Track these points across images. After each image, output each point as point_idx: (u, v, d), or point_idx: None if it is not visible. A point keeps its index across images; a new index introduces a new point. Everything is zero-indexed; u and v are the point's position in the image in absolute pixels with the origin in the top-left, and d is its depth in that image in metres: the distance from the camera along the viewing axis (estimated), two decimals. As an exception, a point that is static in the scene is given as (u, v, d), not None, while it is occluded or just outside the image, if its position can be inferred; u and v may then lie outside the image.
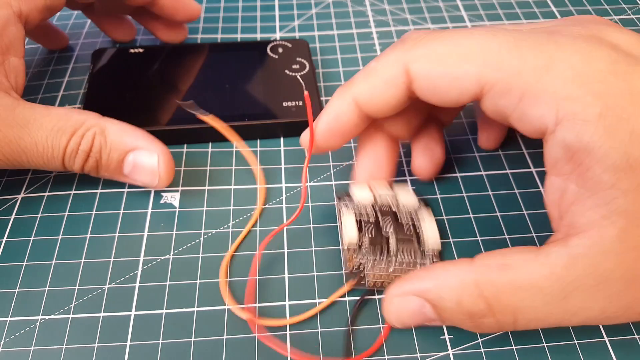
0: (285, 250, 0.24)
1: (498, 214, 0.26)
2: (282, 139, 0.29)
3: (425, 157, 0.26)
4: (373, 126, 0.25)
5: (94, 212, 0.26)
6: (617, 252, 0.17)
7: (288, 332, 0.22)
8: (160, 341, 0.21)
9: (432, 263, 0.23)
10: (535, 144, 0.29)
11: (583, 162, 0.18)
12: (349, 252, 0.23)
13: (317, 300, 0.23)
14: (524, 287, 0.18)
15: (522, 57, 0.19)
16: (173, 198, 0.26)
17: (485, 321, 0.19)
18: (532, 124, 0.19)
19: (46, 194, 0.26)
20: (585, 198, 0.18)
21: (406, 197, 0.24)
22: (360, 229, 0.23)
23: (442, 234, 0.25)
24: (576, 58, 0.18)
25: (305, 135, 0.24)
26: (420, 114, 0.25)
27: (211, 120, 0.27)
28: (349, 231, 0.23)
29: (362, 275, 0.22)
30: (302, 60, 0.32)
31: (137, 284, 0.23)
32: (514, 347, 0.21)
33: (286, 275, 0.23)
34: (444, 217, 0.26)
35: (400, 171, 0.28)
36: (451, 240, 0.25)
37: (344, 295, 0.23)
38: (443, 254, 0.24)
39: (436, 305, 0.19)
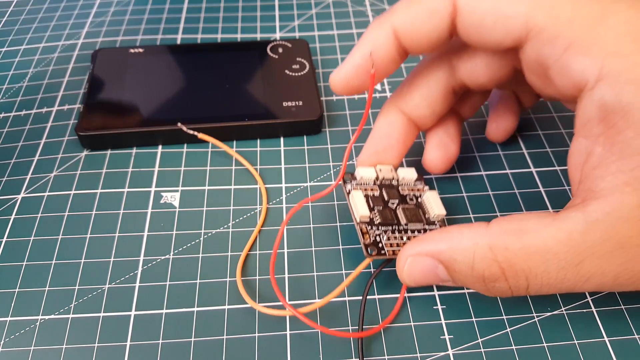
0: (285, 250, 0.24)
1: (498, 214, 0.26)
2: (282, 139, 0.29)
3: (439, 152, 0.26)
4: (395, 106, 0.24)
5: (94, 212, 0.26)
6: (636, 220, 0.17)
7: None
8: (160, 341, 0.21)
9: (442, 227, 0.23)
10: (535, 144, 0.29)
11: (616, 125, 0.17)
12: (363, 227, 0.23)
13: (317, 301, 0.23)
14: (539, 252, 0.18)
15: (576, 4, 0.18)
16: (173, 198, 0.26)
17: (498, 285, 0.19)
18: (571, 78, 0.18)
19: (46, 194, 0.26)
20: (609, 162, 0.17)
21: (404, 171, 0.25)
22: (368, 203, 0.23)
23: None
24: (631, 13, 0.17)
25: (335, 76, 0.22)
26: (447, 101, 0.24)
27: None
28: (359, 206, 0.23)
29: (380, 246, 0.22)
30: (302, 60, 0.32)
31: (137, 284, 0.23)
32: (514, 347, 0.21)
33: (286, 275, 0.23)
34: (444, 217, 0.26)
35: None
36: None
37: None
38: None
39: (449, 267, 0.19)
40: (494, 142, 0.29)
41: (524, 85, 0.23)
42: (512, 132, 0.28)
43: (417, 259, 0.20)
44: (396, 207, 0.24)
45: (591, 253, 0.17)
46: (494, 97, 0.28)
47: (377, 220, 0.23)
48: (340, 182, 0.24)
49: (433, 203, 0.24)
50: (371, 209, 0.23)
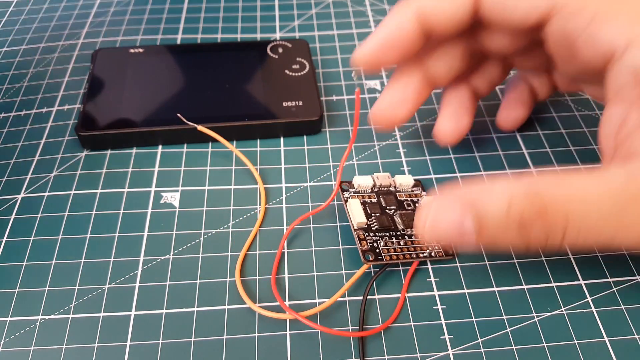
0: (286, 250, 0.24)
1: (498, 214, 0.26)
2: (282, 139, 0.29)
3: (451, 123, 0.26)
4: (413, 61, 0.24)
5: (94, 212, 0.26)
6: None
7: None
8: (160, 341, 0.21)
9: None
10: (535, 144, 0.29)
11: None
12: (360, 234, 0.23)
13: (317, 301, 0.23)
14: (579, 197, 0.17)
15: None
16: (173, 198, 0.26)
17: (534, 231, 0.18)
18: (599, 49, 0.18)
19: (46, 194, 0.26)
20: None
21: (401, 178, 0.26)
22: (365, 210, 0.24)
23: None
24: None
25: (359, 52, 0.23)
26: (464, 62, 0.25)
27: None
28: (356, 214, 0.24)
29: (377, 252, 0.23)
30: (302, 60, 0.32)
31: (137, 284, 0.23)
32: (514, 347, 0.21)
33: (286, 275, 0.24)
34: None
35: (401, 171, 0.28)
36: (451, 240, 0.25)
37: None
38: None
39: (481, 213, 0.18)
40: (504, 130, 0.29)
41: (540, 76, 0.23)
42: (522, 122, 0.28)
43: (445, 207, 0.19)
44: (393, 213, 0.25)
45: (633, 202, 0.17)
46: (509, 86, 0.28)
47: (375, 226, 0.24)
48: (337, 192, 0.25)
49: None
50: (368, 216, 0.24)
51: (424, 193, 0.26)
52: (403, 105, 0.25)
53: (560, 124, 0.30)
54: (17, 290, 0.23)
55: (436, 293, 0.23)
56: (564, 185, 0.18)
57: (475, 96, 0.27)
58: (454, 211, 0.18)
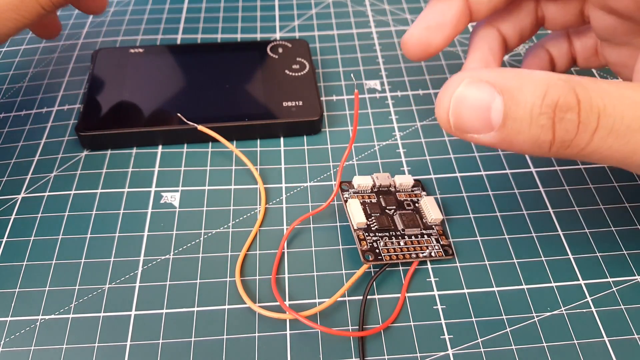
0: (286, 250, 0.24)
1: (498, 214, 0.26)
2: (282, 139, 0.29)
3: (479, 67, 0.25)
4: None
5: (94, 212, 0.26)
6: None
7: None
8: (160, 341, 0.21)
9: (436, 232, 0.24)
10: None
11: None
12: (360, 234, 0.23)
13: (317, 301, 0.23)
14: (617, 95, 0.17)
15: None
16: (173, 198, 0.26)
17: (568, 118, 0.17)
18: None
19: (46, 194, 0.26)
20: None
21: (401, 178, 0.26)
22: (365, 210, 0.24)
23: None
24: None
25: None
26: None
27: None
28: (355, 214, 0.24)
29: (377, 252, 0.23)
30: (302, 60, 0.32)
31: (137, 284, 0.23)
32: (514, 347, 0.21)
33: (286, 275, 0.24)
34: (444, 217, 0.26)
35: (401, 171, 0.28)
36: (451, 240, 0.25)
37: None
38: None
39: (512, 99, 0.17)
40: None
41: (561, 46, 0.24)
42: None
43: (473, 87, 0.17)
44: (393, 213, 0.25)
45: None
46: (528, 53, 0.28)
47: (374, 226, 0.24)
48: (337, 192, 0.25)
49: (430, 207, 0.25)
50: (368, 216, 0.24)
51: (423, 193, 0.26)
52: (439, 31, 0.23)
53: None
54: (17, 290, 0.23)
55: (436, 293, 0.23)
56: (604, 85, 0.17)
57: (503, 45, 0.26)
58: (484, 90, 0.17)
